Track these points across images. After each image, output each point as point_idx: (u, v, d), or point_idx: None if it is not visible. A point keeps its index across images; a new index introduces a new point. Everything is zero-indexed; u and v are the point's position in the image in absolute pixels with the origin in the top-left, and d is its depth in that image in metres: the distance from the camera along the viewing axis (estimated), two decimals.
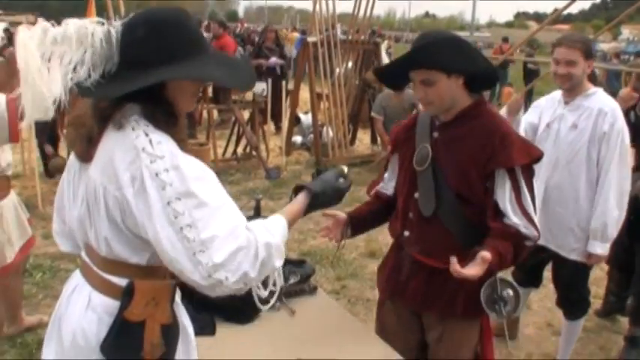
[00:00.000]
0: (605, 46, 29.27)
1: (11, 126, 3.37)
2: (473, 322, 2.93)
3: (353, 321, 3.24)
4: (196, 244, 1.76)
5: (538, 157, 2.71)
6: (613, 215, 3.85)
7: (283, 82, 10.82)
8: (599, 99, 3.91)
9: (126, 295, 1.94)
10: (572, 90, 3.92)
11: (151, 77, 1.84)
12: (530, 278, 4.56)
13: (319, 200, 2.29)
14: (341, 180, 2.40)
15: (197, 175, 1.83)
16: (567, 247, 4.02)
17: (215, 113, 11.34)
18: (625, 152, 3.86)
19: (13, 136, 3.44)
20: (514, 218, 2.66)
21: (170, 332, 2.04)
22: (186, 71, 1.91)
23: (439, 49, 2.62)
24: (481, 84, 2.80)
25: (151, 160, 1.79)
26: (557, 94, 4.12)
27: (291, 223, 2.12)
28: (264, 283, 3.06)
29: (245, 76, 2.09)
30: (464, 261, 2.67)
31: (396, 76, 2.88)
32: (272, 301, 3.10)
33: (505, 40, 24.10)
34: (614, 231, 3.89)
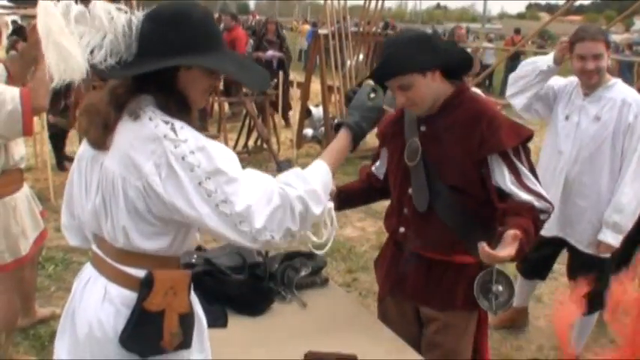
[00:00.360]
0: (617, 37, 29.00)
1: (25, 119, 3.38)
2: (472, 313, 2.92)
3: (364, 313, 3.23)
4: (235, 217, 1.85)
5: (528, 136, 2.67)
6: (630, 207, 3.82)
7: (281, 74, 10.68)
8: (620, 90, 3.86)
9: (145, 285, 1.97)
10: (597, 85, 3.86)
11: (167, 62, 1.89)
12: (536, 270, 4.53)
13: (361, 130, 2.34)
14: (372, 96, 2.43)
15: (221, 153, 1.89)
16: (586, 241, 4.00)
17: (226, 106, 11.33)
18: None
19: (27, 129, 3.45)
20: (523, 196, 2.62)
21: (188, 322, 2.07)
22: (201, 61, 1.95)
23: (406, 52, 2.61)
24: (458, 70, 2.79)
25: (175, 145, 1.83)
26: (571, 83, 4.07)
27: (334, 164, 2.21)
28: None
29: (259, 77, 2.14)
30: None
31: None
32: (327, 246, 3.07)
33: (517, 31, 24.02)
34: (629, 223, 3.86)
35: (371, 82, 2.50)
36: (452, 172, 2.71)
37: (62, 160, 8.93)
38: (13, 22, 17.48)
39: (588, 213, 3.95)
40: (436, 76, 2.67)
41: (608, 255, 4.02)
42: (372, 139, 11.60)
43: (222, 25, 12.88)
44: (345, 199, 3.10)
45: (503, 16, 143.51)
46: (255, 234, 1.86)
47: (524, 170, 2.65)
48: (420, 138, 2.80)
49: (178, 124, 1.88)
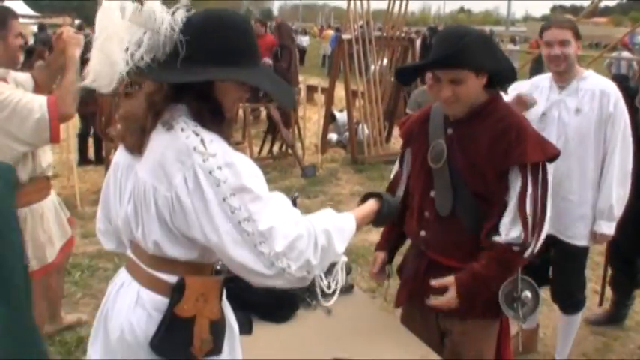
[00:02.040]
0: None
1: (52, 127, 3.41)
2: (493, 321, 2.89)
3: (389, 319, 3.22)
4: (256, 236, 1.83)
5: (553, 155, 2.66)
6: (619, 195, 3.84)
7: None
8: (596, 80, 3.87)
9: (177, 291, 1.98)
10: (566, 73, 3.85)
11: (207, 75, 1.90)
12: (537, 277, 4.47)
13: (388, 207, 2.44)
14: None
15: (249, 170, 1.88)
16: (579, 235, 3.97)
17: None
18: (627, 132, 3.82)
19: (54, 137, 3.48)
20: (510, 233, 2.63)
21: (218, 328, 2.08)
22: (243, 76, 1.96)
23: (471, 48, 2.56)
24: (501, 81, 2.79)
25: (204, 158, 1.83)
26: (541, 81, 4.06)
27: (359, 224, 2.22)
28: (328, 273, 3.07)
29: (289, 93, 2.20)
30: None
31: (411, 70, 2.94)
32: (333, 298, 3.11)
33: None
34: (619, 210, 3.88)
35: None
36: (475, 178, 2.68)
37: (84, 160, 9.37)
38: (41, 29, 17.71)
39: (579, 208, 3.93)
40: (483, 80, 2.64)
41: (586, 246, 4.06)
42: (397, 144, 11.57)
43: None
44: (392, 253, 3.28)
45: (527, 18, 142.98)
46: (272, 257, 1.84)
47: (533, 191, 2.62)
48: (445, 141, 2.77)
49: (208, 137, 1.88)
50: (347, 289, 3.32)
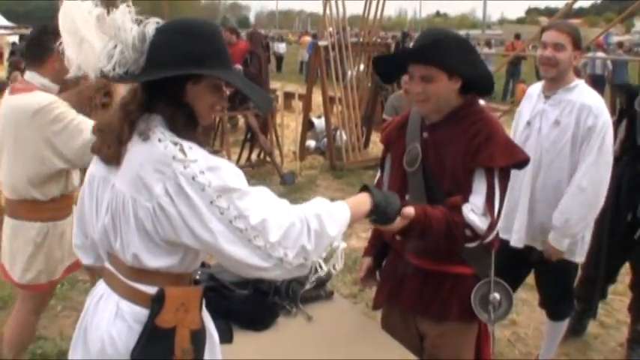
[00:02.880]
0: (617, 38, 29.06)
1: None
2: (470, 324, 2.89)
3: (370, 325, 3.23)
4: (249, 232, 1.85)
5: (520, 160, 2.66)
6: (579, 213, 3.65)
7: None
8: (581, 92, 3.70)
9: (157, 302, 1.97)
10: (555, 80, 3.71)
11: (179, 70, 1.91)
12: (512, 280, 4.44)
13: (385, 200, 2.37)
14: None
15: (230, 171, 1.90)
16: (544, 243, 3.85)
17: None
18: (607, 148, 3.64)
19: None
20: (476, 214, 2.61)
21: (199, 338, 2.08)
22: (213, 72, 1.97)
23: (447, 47, 2.60)
24: (477, 90, 2.78)
25: (185, 165, 1.84)
26: (535, 89, 3.95)
27: (354, 211, 2.17)
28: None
29: (265, 98, 2.20)
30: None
31: (392, 67, 2.91)
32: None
33: (517, 36, 24.12)
34: (577, 228, 3.71)
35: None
36: (449, 181, 2.69)
37: None
38: (13, 43, 17.62)
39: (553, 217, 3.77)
40: (457, 84, 2.66)
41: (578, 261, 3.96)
42: (375, 149, 11.57)
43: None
44: (379, 260, 3.22)
45: (503, 21, 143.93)
46: (269, 249, 1.86)
47: (498, 194, 2.63)
48: (421, 144, 2.79)
49: (187, 144, 1.88)
50: (327, 295, 3.33)
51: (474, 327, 2.91)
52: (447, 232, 2.59)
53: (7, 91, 3.64)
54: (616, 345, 4.94)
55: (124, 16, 1.90)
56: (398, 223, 2.49)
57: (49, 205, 3.63)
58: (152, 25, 1.92)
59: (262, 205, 1.89)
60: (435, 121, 2.77)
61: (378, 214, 2.36)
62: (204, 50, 1.94)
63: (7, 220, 3.73)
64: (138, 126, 1.93)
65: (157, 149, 1.87)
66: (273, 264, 1.88)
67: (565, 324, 4.34)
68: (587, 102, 3.63)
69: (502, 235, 3.62)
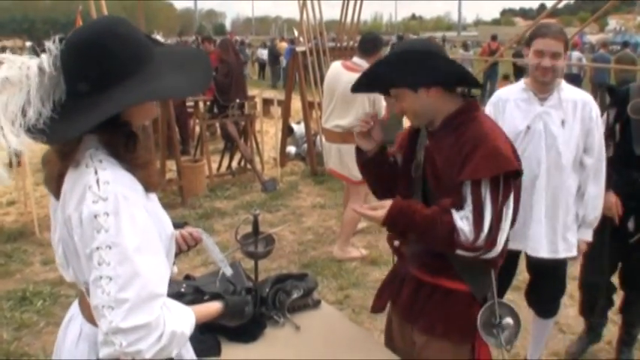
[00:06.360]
0: (592, 37, 29.37)
1: None
2: (459, 346, 2.78)
3: (358, 331, 3.21)
4: (108, 299, 1.71)
5: (506, 170, 2.52)
6: (600, 202, 3.88)
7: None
8: (572, 90, 3.80)
9: None
10: (549, 84, 3.72)
11: (107, 107, 1.76)
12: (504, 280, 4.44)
13: (226, 317, 2.35)
14: (246, 309, 2.46)
15: (137, 228, 1.78)
16: (566, 247, 3.86)
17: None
18: (602, 141, 3.83)
19: None
20: (461, 223, 2.53)
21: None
22: (143, 91, 1.81)
23: (398, 67, 2.62)
24: (461, 86, 2.76)
25: (94, 200, 1.75)
26: (512, 93, 3.89)
27: (199, 321, 2.08)
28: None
29: (200, 73, 1.97)
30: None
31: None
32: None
33: (494, 37, 24.17)
34: (599, 217, 3.92)
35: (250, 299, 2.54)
36: (442, 189, 2.65)
37: None
38: None
39: (570, 220, 3.85)
40: (432, 92, 2.63)
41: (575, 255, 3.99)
42: None
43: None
44: (382, 157, 3.00)
45: (478, 23, 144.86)
46: (111, 328, 1.70)
47: (489, 206, 2.53)
48: (425, 152, 2.79)
49: (105, 177, 1.78)
50: (315, 304, 3.30)
51: (464, 349, 2.79)
52: (433, 231, 2.53)
53: None
54: (604, 344, 4.93)
55: (15, 59, 1.78)
56: (379, 212, 2.57)
57: None
58: (53, 46, 1.80)
59: (136, 285, 1.73)
60: (433, 129, 2.74)
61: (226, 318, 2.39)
62: (118, 61, 1.78)
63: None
64: (73, 157, 1.85)
65: (82, 175, 1.81)
66: (105, 341, 1.73)
67: (553, 320, 4.35)
68: (584, 97, 3.77)
69: (512, 246, 3.40)
